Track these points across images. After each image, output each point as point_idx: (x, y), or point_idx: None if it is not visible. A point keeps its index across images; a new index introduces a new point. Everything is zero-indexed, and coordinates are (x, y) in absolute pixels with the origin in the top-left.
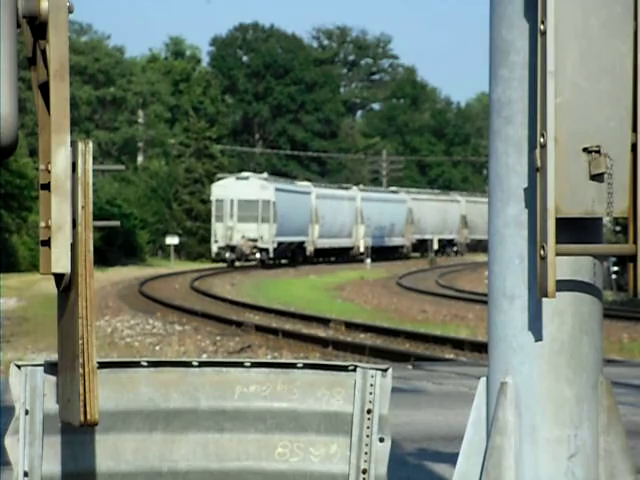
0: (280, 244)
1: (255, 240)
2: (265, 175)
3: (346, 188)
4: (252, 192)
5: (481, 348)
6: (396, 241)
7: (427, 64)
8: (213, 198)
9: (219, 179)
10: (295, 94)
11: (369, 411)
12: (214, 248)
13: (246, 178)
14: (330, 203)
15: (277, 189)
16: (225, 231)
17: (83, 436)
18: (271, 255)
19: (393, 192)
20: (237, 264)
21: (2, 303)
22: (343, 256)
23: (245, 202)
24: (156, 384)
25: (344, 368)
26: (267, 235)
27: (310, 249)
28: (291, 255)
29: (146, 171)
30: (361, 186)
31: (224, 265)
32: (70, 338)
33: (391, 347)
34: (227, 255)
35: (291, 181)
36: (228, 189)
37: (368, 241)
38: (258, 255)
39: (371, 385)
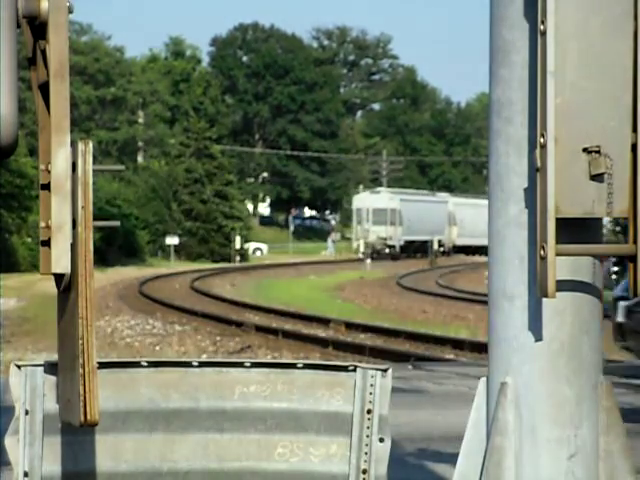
0: (407, 242)
1: (385, 239)
2: (395, 189)
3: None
4: (382, 202)
5: (481, 348)
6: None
7: (427, 64)
8: (354, 207)
9: (355, 194)
10: (295, 94)
11: (369, 411)
12: (354, 245)
13: (378, 192)
14: (466, 209)
15: (402, 200)
16: (363, 232)
17: (83, 436)
18: (397, 250)
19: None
20: (374, 256)
21: (2, 303)
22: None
23: (377, 210)
24: (156, 384)
25: (344, 368)
26: (395, 235)
27: (449, 246)
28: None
29: (146, 171)
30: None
31: (224, 265)
32: (70, 338)
33: (391, 347)
34: (363, 249)
35: (427, 193)
36: (365, 200)
37: None
38: (387, 250)
39: (371, 385)
